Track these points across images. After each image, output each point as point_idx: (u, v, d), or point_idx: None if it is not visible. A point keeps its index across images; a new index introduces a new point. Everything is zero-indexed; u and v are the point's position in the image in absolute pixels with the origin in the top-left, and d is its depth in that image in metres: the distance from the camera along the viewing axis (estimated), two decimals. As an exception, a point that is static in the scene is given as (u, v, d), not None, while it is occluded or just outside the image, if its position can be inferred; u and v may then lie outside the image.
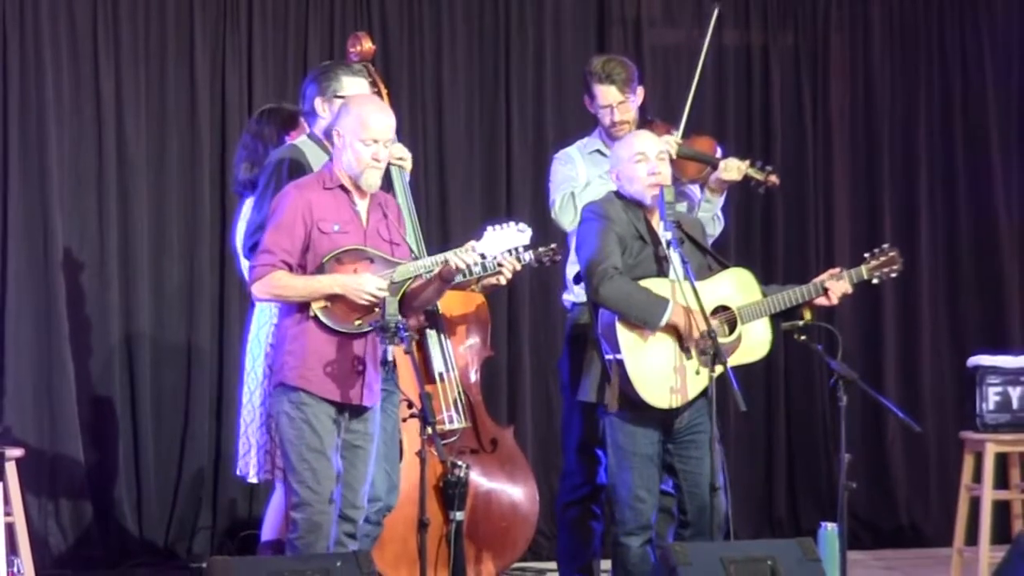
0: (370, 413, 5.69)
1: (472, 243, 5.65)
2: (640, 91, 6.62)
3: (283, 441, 5.61)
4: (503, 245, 5.69)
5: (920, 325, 8.98)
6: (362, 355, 5.60)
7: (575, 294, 6.53)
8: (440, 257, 5.63)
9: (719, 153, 6.66)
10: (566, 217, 6.53)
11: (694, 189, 6.66)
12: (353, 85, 6.10)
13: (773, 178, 6.57)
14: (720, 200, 6.60)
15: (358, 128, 5.58)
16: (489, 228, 5.70)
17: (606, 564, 6.42)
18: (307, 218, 5.56)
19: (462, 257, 5.62)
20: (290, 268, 5.57)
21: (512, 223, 5.72)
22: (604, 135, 6.61)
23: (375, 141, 5.59)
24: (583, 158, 6.65)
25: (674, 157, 6.41)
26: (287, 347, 5.60)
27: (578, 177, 6.59)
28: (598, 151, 6.61)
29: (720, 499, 5.81)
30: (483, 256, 5.67)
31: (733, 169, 6.51)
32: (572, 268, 6.50)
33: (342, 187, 5.65)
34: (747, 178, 6.56)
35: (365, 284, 5.52)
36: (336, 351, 5.56)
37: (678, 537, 5.95)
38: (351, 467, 5.65)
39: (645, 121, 6.59)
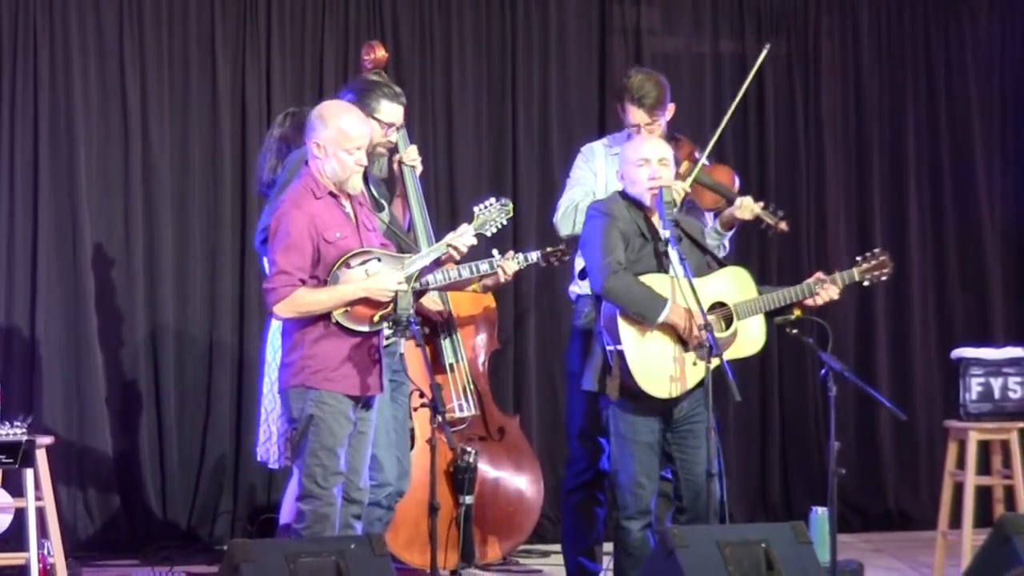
0: (376, 400, 5.76)
1: (465, 225, 5.82)
2: (671, 107, 6.59)
3: (298, 435, 5.64)
4: (492, 220, 5.86)
5: (909, 320, 9.06)
6: (377, 346, 5.68)
7: (581, 287, 6.58)
8: (441, 244, 5.79)
9: (737, 186, 6.69)
10: (565, 227, 6.60)
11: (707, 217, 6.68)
12: (392, 113, 6.18)
13: (783, 225, 6.61)
14: (729, 234, 6.65)
15: (340, 139, 5.63)
16: (476, 208, 5.88)
17: (608, 547, 6.46)
18: (312, 232, 5.58)
19: (461, 241, 5.77)
20: (304, 283, 5.59)
21: (494, 199, 5.91)
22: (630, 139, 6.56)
23: (357, 149, 5.65)
24: (605, 157, 6.65)
25: (689, 188, 6.46)
26: (306, 351, 5.60)
27: (596, 177, 6.62)
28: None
29: (716, 485, 5.86)
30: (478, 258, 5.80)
31: (747, 209, 6.53)
32: (580, 262, 6.53)
33: (331, 194, 5.68)
34: (758, 219, 6.59)
35: (386, 282, 5.59)
36: (356, 349, 5.61)
37: (675, 521, 6.01)
38: (355, 453, 5.69)
39: (672, 137, 6.57)
